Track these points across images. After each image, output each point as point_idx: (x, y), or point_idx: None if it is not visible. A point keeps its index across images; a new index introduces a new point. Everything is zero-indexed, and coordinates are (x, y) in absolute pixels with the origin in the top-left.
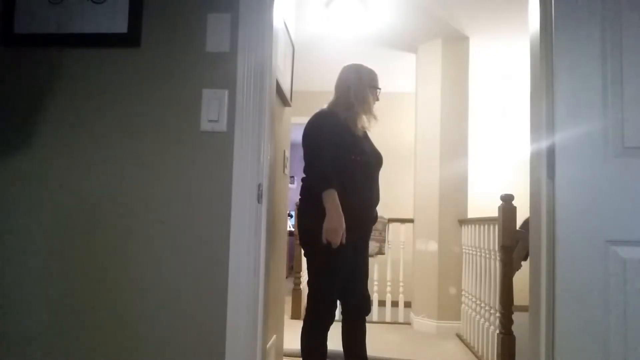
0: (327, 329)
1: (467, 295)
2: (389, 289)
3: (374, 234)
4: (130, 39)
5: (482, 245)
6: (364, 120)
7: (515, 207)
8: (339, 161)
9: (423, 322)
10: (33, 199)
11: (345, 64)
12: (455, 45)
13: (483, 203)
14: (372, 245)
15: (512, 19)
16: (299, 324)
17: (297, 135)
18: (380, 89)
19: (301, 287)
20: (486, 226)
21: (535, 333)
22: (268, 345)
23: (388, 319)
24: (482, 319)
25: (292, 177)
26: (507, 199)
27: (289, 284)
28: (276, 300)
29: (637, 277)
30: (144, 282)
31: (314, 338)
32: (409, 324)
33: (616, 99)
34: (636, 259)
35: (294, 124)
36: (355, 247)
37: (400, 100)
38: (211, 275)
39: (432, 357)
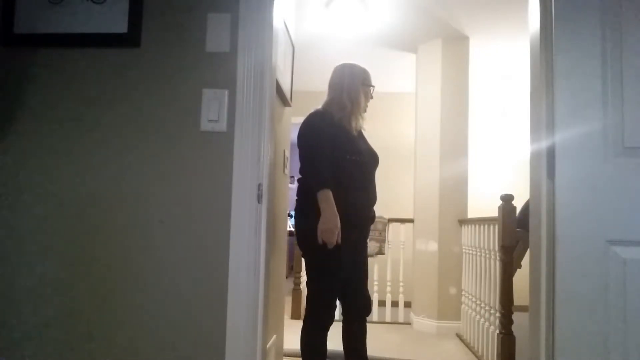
0: (327, 329)
1: (467, 295)
2: (389, 289)
3: (373, 234)
4: (130, 39)
5: (482, 245)
6: (359, 120)
7: (515, 207)
8: (335, 161)
9: (423, 322)
10: (32, 198)
11: (338, 64)
12: (455, 45)
13: (483, 203)
14: (372, 245)
15: (512, 19)
16: (299, 324)
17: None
18: (373, 86)
19: (301, 287)
20: (486, 226)
21: (535, 333)
22: (268, 345)
23: (388, 319)
24: (482, 319)
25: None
26: (507, 199)
27: (289, 284)
28: (276, 300)
29: (637, 277)
30: (143, 282)
31: (313, 338)
32: (409, 324)
33: (616, 99)
34: (636, 259)
35: (294, 124)
36: (354, 247)
37: (400, 100)
38: (211, 275)
39: (432, 357)
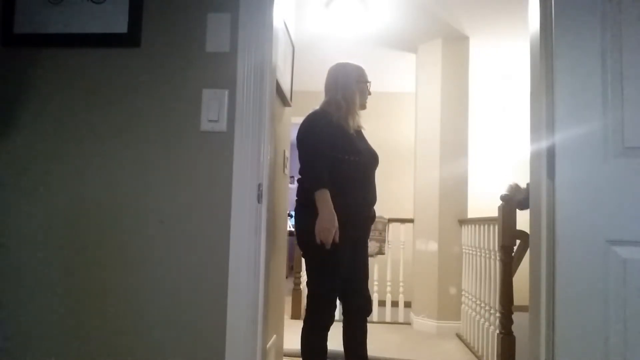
0: (327, 329)
1: (467, 295)
2: (389, 289)
3: (373, 234)
4: (130, 39)
5: (482, 245)
6: (355, 118)
7: (515, 207)
8: (333, 161)
9: (423, 322)
10: (32, 198)
11: (332, 64)
12: (455, 45)
13: (483, 203)
14: (372, 245)
15: (512, 19)
16: (299, 324)
17: None
18: (369, 82)
19: (301, 287)
20: (486, 226)
21: (535, 333)
22: (268, 345)
23: (388, 319)
24: (482, 319)
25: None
26: (507, 199)
27: (289, 284)
28: (276, 300)
29: (637, 277)
30: (143, 282)
31: (313, 338)
32: (409, 324)
33: (616, 99)
34: (636, 259)
35: (294, 124)
36: (353, 246)
37: (400, 100)
38: (211, 275)
39: (432, 357)
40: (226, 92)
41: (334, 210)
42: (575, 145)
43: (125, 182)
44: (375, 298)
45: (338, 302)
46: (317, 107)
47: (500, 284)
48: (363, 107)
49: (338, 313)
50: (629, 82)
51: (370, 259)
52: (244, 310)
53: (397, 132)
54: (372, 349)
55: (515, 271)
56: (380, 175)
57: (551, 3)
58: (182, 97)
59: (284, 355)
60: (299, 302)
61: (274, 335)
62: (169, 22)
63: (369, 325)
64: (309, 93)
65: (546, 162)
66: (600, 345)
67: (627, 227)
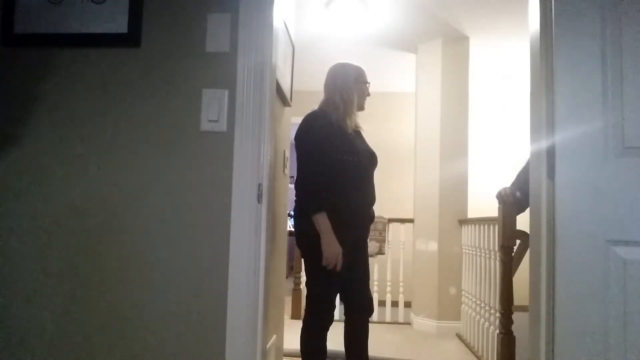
0: (327, 329)
1: (467, 295)
2: (389, 289)
3: (374, 234)
4: (130, 39)
5: (482, 245)
6: (352, 119)
7: (515, 207)
8: (331, 162)
9: (423, 322)
10: (32, 198)
11: (332, 64)
12: (455, 45)
13: (483, 203)
14: (372, 245)
15: (512, 19)
16: (299, 324)
17: None
18: (369, 83)
19: (301, 287)
20: (486, 226)
21: (535, 333)
22: (268, 345)
23: (388, 319)
24: (482, 319)
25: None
26: (504, 200)
27: (289, 284)
28: (276, 300)
29: (637, 277)
30: (143, 282)
31: (313, 338)
32: (409, 324)
33: (616, 99)
34: (636, 259)
35: (294, 124)
36: (353, 247)
37: (400, 100)
38: (211, 275)
39: (432, 357)
40: (226, 92)
41: (334, 236)
42: (575, 145)
43: (125, 182)
44: (375, 298)
45: (338, 302)
46: (316, 107)
47: (500, 284)
48: (361, 108)
49: (338, 313)
50: (629, 82)
51: (370, 259)
52: (244, 310)
53: (397, 132)
54: (372, 349)
55: (515, 271)
56: (380, 175)
57: (551, 3)
58: (182, 97)
59: (284, 355)
60: (299, 302)
61: (274, 335)
62: (169, 22)
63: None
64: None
65: (546, 162)
66: (600, 345)
67: (627, 227)
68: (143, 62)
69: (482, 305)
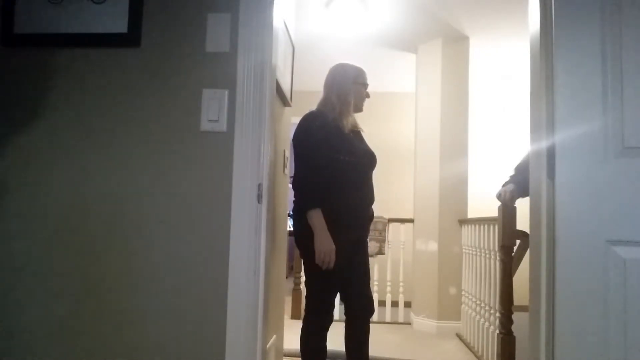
0: (326, 329)
1: (467, 295)
2: (389, 289)
3: (373, 234)
4: (130, 39)
5: (482, 245)
6: (349, 120)
7: (515, 207)
8: (330, 162)
9: (423, 322)
10: (32, 198)
11: (333, 64)
12: (455, 45)
13: (483, 203)
14: (372, 245)
15: (512, 19)
16: (299, 324)
17: None
18: (367, 84)
19: (301, 287)
20: (486, 226)
21: (535, 333)
22: (268, 345)
23: (388, 319)
24: (482, 319)
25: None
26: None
27: (289, 284)
28: (276, 300)
29: (637, 277)
30: (143, 282)
31: (313, 338)
32: (409, 324)
33: (616, 99)
34: (636, 259)
35: (294, 124)
36: (352, 247)
37: (400, 100)
38: (211, 275)
39: (432, 357)
40: (226, 92)
41: (328, 233)
42: (575, 145)
43: (125, 182)
44: (375, 298)
45: (338, 302)
46: (314, 107)
47: (500, 284)
48: (359, 109)
49: (339, 313)
50: (629, 82)
51: (370, 259)
52: (244, 310)
53: (397, 132)
54: (372, 349)
55: (515, 271)
56: (380, 175)
57: (551, 3)
58: (182, 97)
59: (284, 355)
60: (299, 302)
61: (274, 335)
62: (169, 22)
63: None
64: (309, 93)
65: (546, 162)
66: (600, 345)
67: (627, 227)
68: (143, 62)
69: (482, 305)
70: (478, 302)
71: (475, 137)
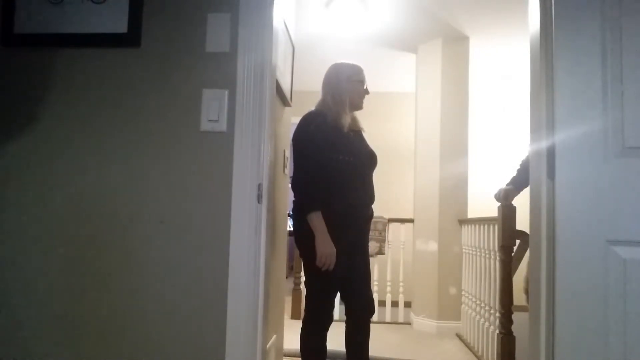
0: (326, 329)
1: (467, 295)
2: (389, 289)
3: (373, 234)
4: (130, 39)
5: (482, 245)
6: (346, 118)
7: (515, 207)
8: (329, 162)
9: (423, 322)
10: (32, 198)
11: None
12: (455, 45)
13: (483, 203)
14: (372, 245)
15: (512, 19)
16: (299, 324)
17: None
18: (363, 81)
19: (301, 287)
20: (486, 226)
21: (535, 333)
22: (268, 345)
23: (388, 319)
24: (482, 319)
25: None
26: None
27: (289, 284)
28: (276, 300)
29: (637, 277)
30: (143, 282)
31: (313, 338)
32: (409, 324)
33: (616, 99)
34: (636, 259)
35: (294, 124)
36: (352, 247)
37: (400, 100)
38: (211, 275)
39: (432, 357)
40: (226, 92)
41: (328, 235)
42: (575, 145)
43: (125, 182)
44: (375, 298)
45: (338, 302)
46: (313, 107)
47: (500, 284)
48: (357, 107)
49: (339, 313)
50: (629, 82)
51: (370, 259)
52: (244, 310)
53: (397, 132)
54: (372, 349)
55: (515, 271)
56: (380, 175)
57: (551, 3)
58: (182, 97)
59: (284, 355)
60: (299, 302)
61: (274, 335)
62: (169, 22)
63: None
64: (309, 93)
65: (546, 162)
66: (600, 345)
67: (627, 227)
68: (143, 62)
69: (482, 305)
70: (478, 302)
71: (475, 137)
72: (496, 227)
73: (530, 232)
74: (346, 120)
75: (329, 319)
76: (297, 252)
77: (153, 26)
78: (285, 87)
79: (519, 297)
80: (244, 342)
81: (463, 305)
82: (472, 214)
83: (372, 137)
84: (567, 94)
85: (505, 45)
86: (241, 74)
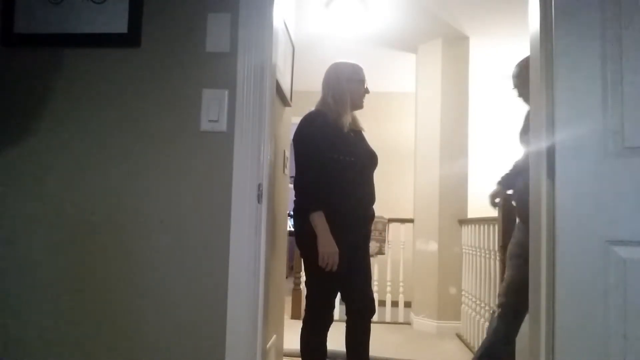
0: (327, 329)
1: (467, 295)
2: (389, 289)
3: (373, 234)
4: (130, 39)
5: (482, 245)
6: (346, 118)
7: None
8: (329, 162)
9: (423, 322)
10: (32, 198)
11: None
12: (455, 45)
13: (483, 203)
14: (372, 245)
15: (512, 19)
16: (299, 324)
17: None
18: (363, 80)
19: (301, 287)
20: (486, 226)
21: (535, 333)
22: (268, 345)
23: (388, 319)
24: (482, 319)
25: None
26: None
27: (289, 284)
28: (276, 300)
29: (637, 277)
30: (143, 282)
31: (313, 338)
32: (409, 324)
33: (616, 99)
34: (636, 259)
35: (294, 124)
36: (353, 247)
37: (400, 100)
38: (211, 275)
39: (432, 357)
40: (226, 92)
41: (331, 235)
42: (575, 145)
43: (125, 182)
44: (375, 298)
45: (338, 302)
46: (313, 107)
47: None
48: (358, 106)
49: (339, 313)
50: (629, 82)
51: (370, 259)
52: (244, 310)
53: (397, 132)
54: (372, 349)
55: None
56: (380, 175)
57: (551, 3)
58: (182, 97)
59: (284, 355)
60: (299, 302)
61: (274, 335)
62: (169, 22)
63: None
64: (309, 93)
65: (546, 162)
66: (600, 346)
67: (627, 227)
68: (143, 62)
69: (482, 305)
70: (478, 302)
71: (475, 137)
72: (496, 227)
73: (530, 232)
74: (347, 120)
75: (330, 319)
76: (297, 252)
77: (153, 26)
78: (285, 87)
79: None
80: (244, 342)
81: (463, 305)
82: (472, 214)
83: (372, 137)
84: (567, 93)
85: (505, 45)
86: (241, 74)
